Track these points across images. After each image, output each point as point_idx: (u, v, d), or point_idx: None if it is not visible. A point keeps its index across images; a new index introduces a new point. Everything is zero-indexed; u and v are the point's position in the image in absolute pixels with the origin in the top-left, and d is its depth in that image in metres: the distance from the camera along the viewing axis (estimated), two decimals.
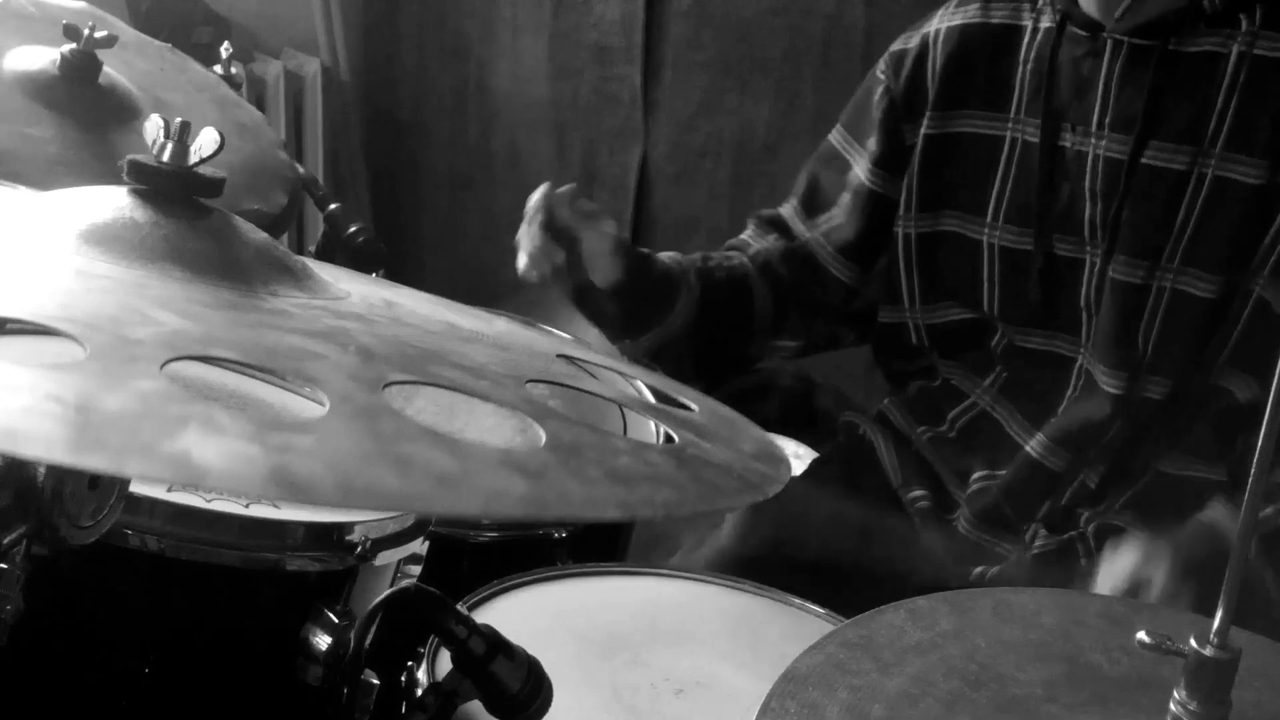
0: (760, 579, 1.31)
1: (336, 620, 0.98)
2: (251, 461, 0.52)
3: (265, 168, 1.47)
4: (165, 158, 0.77)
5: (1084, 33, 1.43)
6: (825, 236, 1.61)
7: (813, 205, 1.63)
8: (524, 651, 0.95)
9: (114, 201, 0.76)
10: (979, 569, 1.51)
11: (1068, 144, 1.45)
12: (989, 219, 1.50)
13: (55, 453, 0.50)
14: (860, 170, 1.59)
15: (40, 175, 1.12)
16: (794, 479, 1.63)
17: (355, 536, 1.00)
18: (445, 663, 0.98)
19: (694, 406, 0.82)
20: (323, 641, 0.98)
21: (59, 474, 0.71)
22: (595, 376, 0.91)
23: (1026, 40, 1.48)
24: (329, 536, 0.99)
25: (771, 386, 2.19)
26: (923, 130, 1.53)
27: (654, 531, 1.84)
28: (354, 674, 1.00)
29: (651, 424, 1.30)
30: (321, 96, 3.02)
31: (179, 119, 0.78)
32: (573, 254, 1.50)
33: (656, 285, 1.57)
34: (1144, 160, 1.40)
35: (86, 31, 1.36)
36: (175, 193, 0.77)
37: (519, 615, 1.16)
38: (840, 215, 1.60)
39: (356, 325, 0.75)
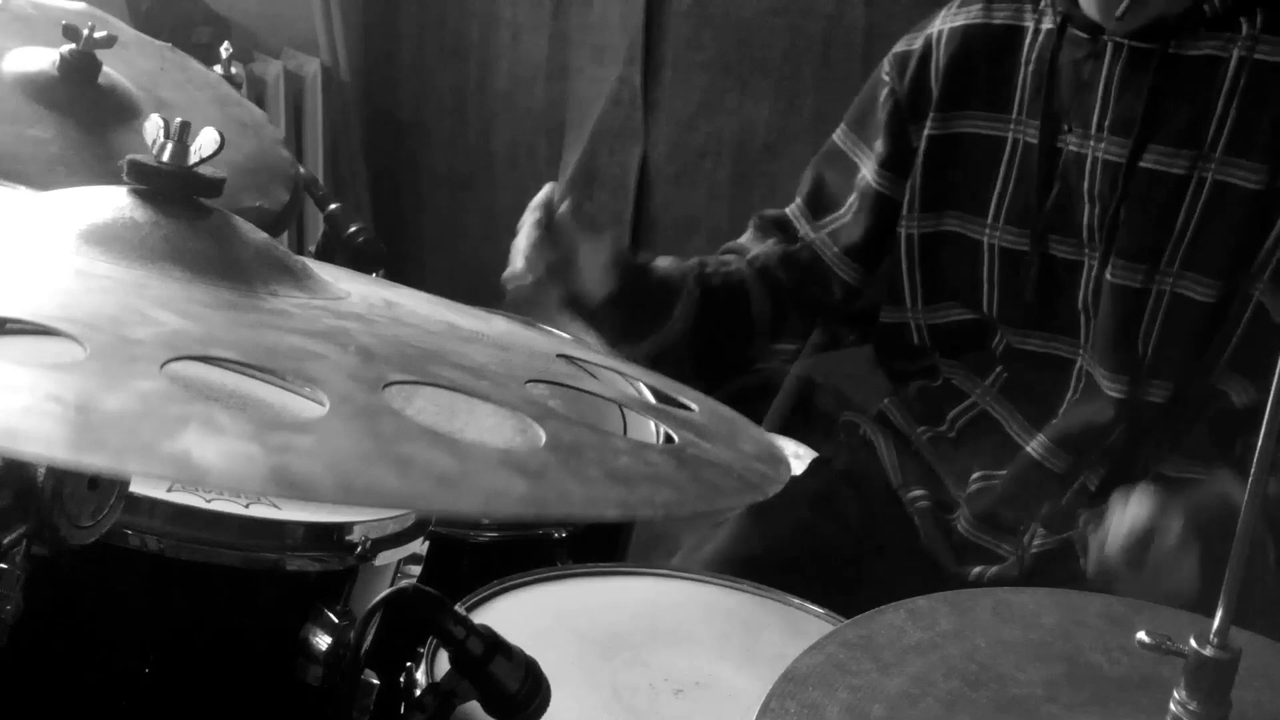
0: (760, 579, 1.31)
1: (336, 620, 0.98)
2: (251, 461, 0.52)
3: (267, 165, 1.47)
4: (165, 158, 0.77)
5: (1084, 35, 1.43)
6: (831, 237, 1.61)
7: (818, 206, 1.63)
8: (522, 652, 0.95)
9: (114, 201, 0.76)
10: (978, 569, 1.51)
11: (1067, 146, 1.45)
12: (990, 220, 1.50)
13: (55, 453, 0.50)
14: (868, 172, 1.59)
15: (40, 175, 1.12)
16: (794, 479, 1.64)
17: (355, 536, 1.00)
18: (444, 663, 0.98)
19: (694, 406, 0.82)
20: (323, 641, 0.98)
21: (59, 474, 0.71)
22: (595, 376, 0.91)
23: (1028, 41, 1.48)
24: (329, 536, 0.99)
25: (772, 386, 2.19)
26: (926, 131, 1.53)
27: (654, 531, 1.84)
28: (354, 674, 1.00)
29: (651, 424, 1.30)
30: (321, 96, 3.03)
31: (179, 119, 0.78)
32: (569, 260, 1.49)
33: (653, 294, 1.57)
34: (1143, 163, 1.40)
35: (86, 32, 1.36)
36: (175, 193, 0.77)
37: (519, 615, 1.16)
38: (847, 216, 1.60)
39: (356, 325, 0.75)
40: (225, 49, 1.73)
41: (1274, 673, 0.86)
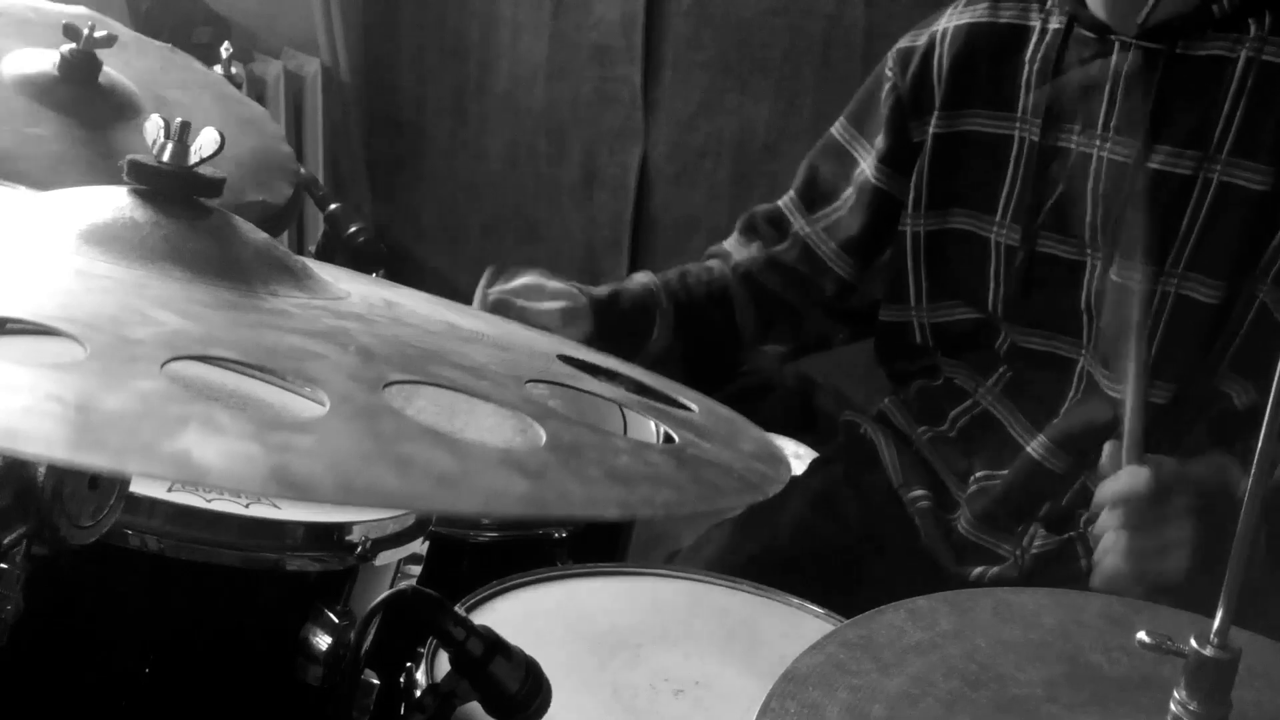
0: (760, 579, 1.31)
1: (336, 620, 0.98)
2: (252, 461, 0.52)
3: (269, 160, 1.47)
4: (165, 157, 0.77)
5: (1091, 35, 1.43)
6: (827, 231, 1.61)
7: (812, 199, 1.64)
8: (522, 652, 0.95)
9: (114, 201, 0.76)
10: (979, 569, 1.51)
11: (1073, 146, 1.45)
12: (998, 218, 1.50)
13: (55, 452, 0.50)
14: (867, 166, 1.59)
15: (41, 175, 1.12)
16: (794, 479, 1.64)
17: (355, 536, 1.00)
18: (444, 663, 0.98)
19: (694, 406, 0.82)
20: (323, 641, 0.98)
21: (59, 474, 0.71)
22: (595, 376, 0.91)
23: (1034, 40, 1.48)
24: (329, 536, 0.99)
25: (772, 386, 2.19)
26: (931, 129, 1.53)
27: (654, 531, 1.84)
28: (354, 674, 1.00)
29: (651, 424, 1.30)
30: (321, 96, 3.03)
31: (179, 119, 0.78)
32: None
33: (627, 320, 1.58)
34: (1149, 164, 1.40)
35: (86, 31, 1.36)
36: (175, 193, 0.77)
37: (519, 615, 1.16)
38: (843, 210, 1.61)
39: (356, 325, 0.75)
40: (225, 49, 1.73)
41: (1274, 673, 0.86)
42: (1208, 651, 0.73)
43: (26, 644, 0.83)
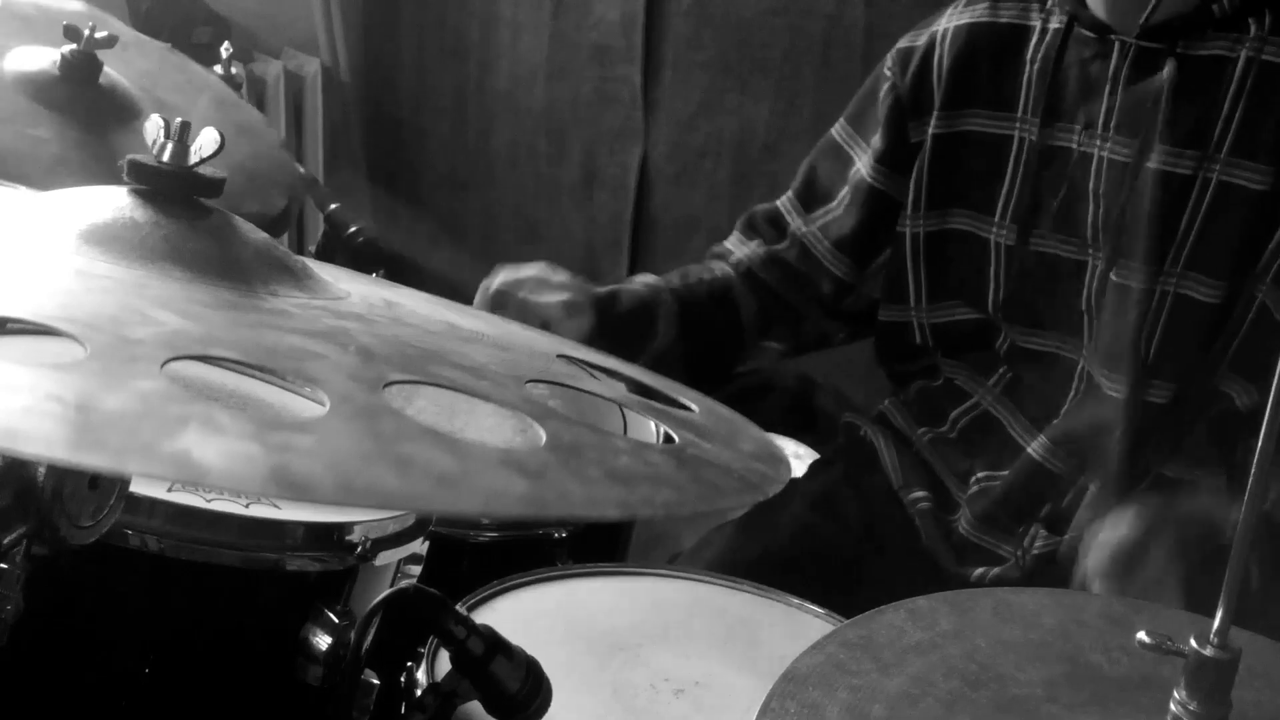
0: (760, 580, 1.31)
1: (336, 620, 0.98)
2: (251, 461, 0.52)
3: (264, 170, 1.47)
4: (165, 158, 0.77)
5: (1092, 34, 1.43)
6: (822, 230, 1.61)
7: (810, 198, 1.64)
8: (523, 652, 0.95)
9: (114, 201, 0.76)
10: (979, 570, 1.51)
11: (1073, 146, 1.45)
12: (996, 218, 1.50)
13: (55, 452, 0.50)
14: (863, 166, 1.59)
15: (41, 175, 1.12)
16: (795, 480, 1.64)
17: (355, 536, 1.00)
18: (445, 663, 0.98)
19: (694, 406, 0.82)
20: (323, 641, 0.98)
21: (59, 474, 0.71)
22: (595, 376, 0.91)
23: (1034, 40, 1.48)
24: (329, 536, 0.99)
25: (772, 386, 2.19)
26: (930, 129, 1.53)
27: (654, 531, 1.84)
28: (354, 674, 1.00)
29: (651, 424, 1.30)
30: (321, 96, 3.03)
31: (179, 119, 0.78)
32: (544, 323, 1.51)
33: (629, 320, 1.58)
34: (1149, 164, 1.40)
35: (86, 32, 1.36)
36: (175, 193, 0.77)
37: (519, 615, 1.16)
38: (839, 209, 1.61)
39: (356, 325, 0.75)
40: (225, 49, 1.73)
41: (1274, 673, 0.86)
42: (1208, 651, 0.73)
43: (26, 644, 0.83)
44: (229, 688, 0.99)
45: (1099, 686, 0.85)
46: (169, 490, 0.96)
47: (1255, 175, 1.37)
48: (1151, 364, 1.43)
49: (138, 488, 0.90)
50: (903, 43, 1.58)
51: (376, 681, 1.02)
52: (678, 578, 1.30)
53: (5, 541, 0.72)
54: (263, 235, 0.80)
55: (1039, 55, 1.47)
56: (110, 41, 1.38)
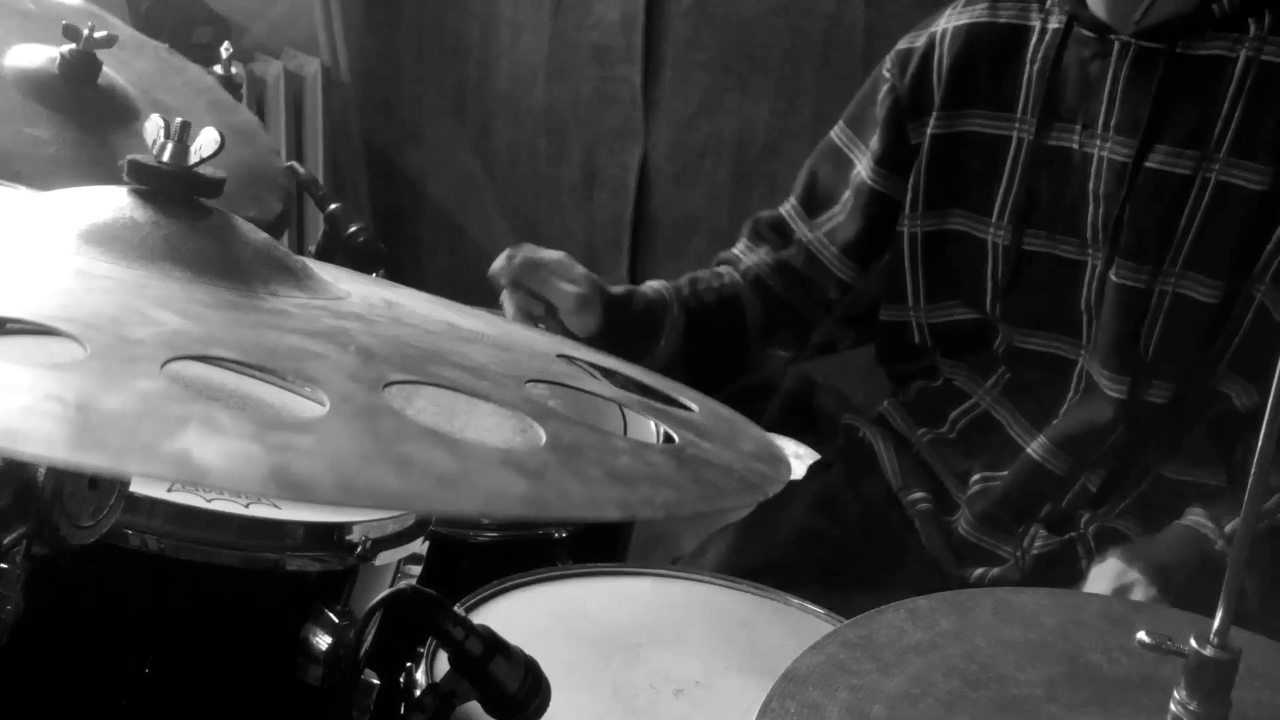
0: (760, 579, 1.31)
1: (336, 620, 0.98)
2: (252, 461, 0.52)
3: (260, 174, 1.47)
4: (165, 158, 0.77)
5: (1091, 34, 1.43)
6: (828, 236, 1.61)
7: (813, 204, 1.63)
8: (522, 652, 0.95)
9: (114, 201, 0.76)
10: (979, 571, 1.51)
11: (1073, 146, 1.45)
12: (994, 218, 1.50)
13: (55, 452, 0.50)
14: (863, 168, 1.59)
15: (40, 175, 1.12)
16: (795, 482, 1.64)
17: (355, 536, 1.00)
18: (444, 663, 0.98)
19: (694, 406, 0.82)
20: (323, 641, 0.98)
21: (59, 474, 0.71)
22: (595, 376, 0.91)
23: (1034, 40, 1.48)
24: (329, 536, 0.99)
25: (772, 387, 2.19)
26: (929, 130, 1.53)
27: (654, 531, 1.84)
28: (354, 674, 1.00)
29: (651, 424, 1.30)
30: (321, 96, 3.03)
31: (179, 119, 0.78)
32: (551, 310, 1.51)
33: (637, 323, 1.58)
34: (1148, 164, 1.40)
35: (86, 31, 1.36)
36: (175, 193, 0.77)
37: (519, 615, 1.16)
38: (842, 215, 1.61)
39: (356, 325, 0.75)
40: (225, 49, 1.73)
41: (1274, 673, 0.86)
42: (1208, 651, 0.73)
43: (26, 644, 0.83)
44: (229, 688, 0.99)
45: (1099, 686, 0.85)
46: (169, 490, 0.96)
47: (1254, 175, 1.37)
48: (1150, 364, 1.43)
49: (138, 488, 0.90)
50: (902, 44, 1.58)
51: (376, 681, 1.02)
52: (677, 578, 1.30)
53: (5, 541, 0.72)
54: (263, 235, 0.80)
55: (1038, 55, 1.47)
56: (109, 41, 1.38)
